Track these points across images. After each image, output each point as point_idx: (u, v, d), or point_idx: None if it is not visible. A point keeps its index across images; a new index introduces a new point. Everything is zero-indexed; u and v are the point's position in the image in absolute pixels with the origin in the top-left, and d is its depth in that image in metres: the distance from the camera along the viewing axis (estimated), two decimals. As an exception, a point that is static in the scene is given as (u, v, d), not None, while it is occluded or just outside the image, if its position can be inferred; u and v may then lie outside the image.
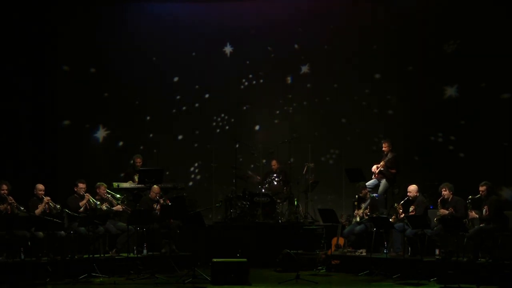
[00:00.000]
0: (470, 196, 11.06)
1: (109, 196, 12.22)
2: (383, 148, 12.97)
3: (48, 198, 11.69)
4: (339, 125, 15.20)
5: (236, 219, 13.52)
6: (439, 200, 11.32)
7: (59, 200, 11.87)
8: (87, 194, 11.88)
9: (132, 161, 13.55)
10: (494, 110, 13.50)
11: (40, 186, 11.69)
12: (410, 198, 11.62)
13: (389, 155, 12.82)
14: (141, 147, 15.11)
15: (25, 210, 11.37)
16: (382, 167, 12.79)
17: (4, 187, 11.34)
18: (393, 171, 12.72)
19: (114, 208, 12.20)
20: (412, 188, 11.67)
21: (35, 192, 11.65)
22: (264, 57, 15.53)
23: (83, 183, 12.00)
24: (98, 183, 12.26)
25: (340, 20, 14.99)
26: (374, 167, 12.83)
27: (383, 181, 12.81)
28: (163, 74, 15.50)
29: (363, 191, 12.36)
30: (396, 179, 12.75)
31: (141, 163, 13.31)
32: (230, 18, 15.41)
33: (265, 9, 15.33)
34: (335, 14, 15.03)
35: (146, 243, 12.04)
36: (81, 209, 11.78)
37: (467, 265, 10.58)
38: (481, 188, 10.94)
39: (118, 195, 12.46)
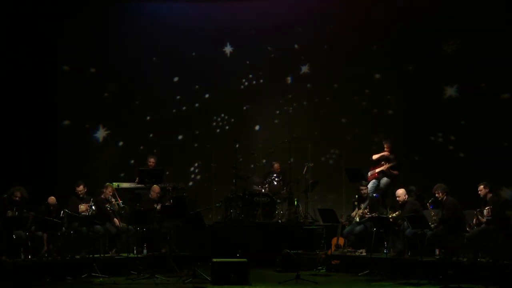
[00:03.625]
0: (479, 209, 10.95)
1: (113, 200, 12.07)
2: (386, 150, 12.87)
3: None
4: (339, 125, 15.20)
5: (236, 219, 13.51)
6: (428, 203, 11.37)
7: (58, 200, 11.84)
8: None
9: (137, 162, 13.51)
10: (494, 110, 13.49)
11: (51, 200, 11.64)
12: (400, 202, 11.66)
13: (392, 157, 12.75)
14: (141, 147, 15.13)
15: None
16: (385, 169, 12.71)
17: (18, 194, 11.28)
18: (396, 172, 12.70)
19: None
20: (400, 192, 11.73)
21: (47, 202, 11.60)
22: (264, 57, 15.54)
23: (84, 186, 11.95)
24: (107, 183, 12.24)
25: (340, 20, 14.99)
26: (376, 171, 12.77)
27: (385, 179, 12.76)
28: (163, 74, 15.51)
29: (363, 190, 12.43)
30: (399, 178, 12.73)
31: (154, 163, 13.29)
32: (230, 18, 15.43)
33: (265, 9, 15.35)
34: (335, 14, 15.03)
35: (146, 243, 12.03)
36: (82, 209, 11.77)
37: (467, 265, 10.58)
38: (480, 188, 10.91)
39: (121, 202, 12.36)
